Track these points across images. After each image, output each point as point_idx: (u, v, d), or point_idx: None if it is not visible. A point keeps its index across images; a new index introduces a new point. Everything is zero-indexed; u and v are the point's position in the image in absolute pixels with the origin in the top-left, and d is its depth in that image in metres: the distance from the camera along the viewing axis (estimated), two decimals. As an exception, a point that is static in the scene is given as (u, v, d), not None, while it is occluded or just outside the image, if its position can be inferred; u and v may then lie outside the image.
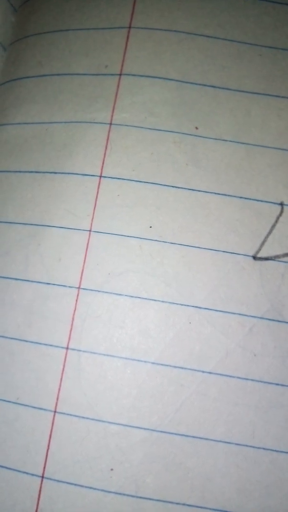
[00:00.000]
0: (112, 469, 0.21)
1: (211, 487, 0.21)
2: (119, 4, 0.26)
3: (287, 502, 0.21)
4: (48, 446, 0.22)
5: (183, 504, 0.21)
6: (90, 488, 0.21)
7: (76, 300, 0.23)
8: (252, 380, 0.22)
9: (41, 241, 0.23)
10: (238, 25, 0.25)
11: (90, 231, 0.23)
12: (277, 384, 0.22)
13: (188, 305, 0.23)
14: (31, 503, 0.21)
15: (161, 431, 0.22)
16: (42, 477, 0.22)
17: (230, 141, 0.24)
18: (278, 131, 0.24)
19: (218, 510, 0.21)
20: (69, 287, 0.23)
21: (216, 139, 0.24)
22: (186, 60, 0.25)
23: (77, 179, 0.24)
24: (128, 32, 0.25)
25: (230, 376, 0.22)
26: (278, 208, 0.24)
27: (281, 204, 0.24)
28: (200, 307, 0.23)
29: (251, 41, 0.25)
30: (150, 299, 0.23)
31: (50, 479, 0.21)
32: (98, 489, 0.21)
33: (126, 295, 0.23)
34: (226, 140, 0.24)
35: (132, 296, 0.23)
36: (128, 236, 0.23)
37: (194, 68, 0.25)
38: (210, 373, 0.22)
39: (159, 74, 0.25)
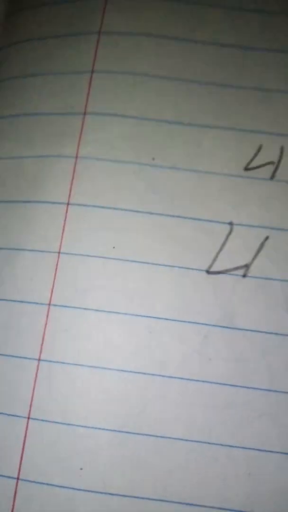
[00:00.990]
0: (81, 469, 0.23)
1: (173, 482, 0.23)
2: (82, 50, 0.29)
3: (243, 494, 0.23)
4: (23, 449, 0.23)
5: (147, 499, 0.23)
6: (62, 487, 0.23)
7: (47, 316, 0.25)
8: (208, 382, 0.24)
9: (14, 263, 0.26)
10: (189, 67, 0.28)
11: (59, 252, 0.26)
12: (231, 385, 0.24)
13: (148, 316, 0.25)
14: (7, 503, 0.23)
15: (126, 432, 0.23)
16: (18, 478, 0.23)
17: (184, 169, 0.27)
18: (225, 159, 0.27)
19: (179, 503, 0.23)
20: (40, 304, 0.25)
21: (171, 168, 0.27)
22: (143, 99, 0.28)
23: (46, 206, 0.26)
24: (91, 75, 0.28)
25: (188, 380, 0.24)
26: (228, 227, 0.26)
27: (230, 223, 0.26)
28: (159, 318, 0.25)
29: (201, 80, 0.28)
30: (114, 312, 0.25)
31: (25, 480, 0.23)
32: (69, 488, 0.23)
33: (92, 309, 0.25)
34: (180, 169, 0.27)
35: (97, 310, 0.25)
36: (93, 256, 0.25)
37: (150, 106, 0.28)
38: (169, 377, 0.24)
39: (119, 112, 0.27)
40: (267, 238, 0.26)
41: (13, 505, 0.23)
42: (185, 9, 0.30)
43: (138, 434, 0.23)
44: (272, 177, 0.27)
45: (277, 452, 0.23)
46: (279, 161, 0.27)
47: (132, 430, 0.23)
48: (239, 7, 0.30)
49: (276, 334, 0.24)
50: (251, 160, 0.27)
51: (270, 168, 0.27)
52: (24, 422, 0.24)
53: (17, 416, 0.24)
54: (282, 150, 0.27)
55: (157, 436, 0.23)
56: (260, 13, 0.30)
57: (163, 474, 0.23)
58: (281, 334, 0.24)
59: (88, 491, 0.23)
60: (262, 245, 0.26)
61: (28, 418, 0.24)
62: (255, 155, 0.27)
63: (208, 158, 0.27)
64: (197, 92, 0.28)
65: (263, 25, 0.29)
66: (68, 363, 0.24)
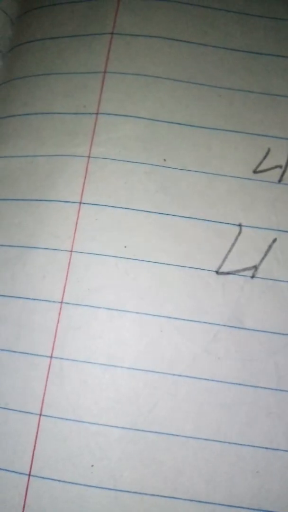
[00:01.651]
0: (92, 465, 0.23)
1: (182, 479, 0.23)
2: (95, 51, 0.28)
3: (251, 491, 0.23)
4: (34, 446, 0.23)
5: (157, 496, 0.23)
6: (73, 483, 0.23)
7: (59, 314, 0.25)
8: (216, 381, 0.24)
9: (26, 261, 0.25)
10: (200, 70, 0.28)
11: (71, 251, 0.25)
12: (239, 384, 0.24)
13: (159, 316, 0.25)
14: (19, 499, 0.23)
15: (136, 429, 0.23)
16: (29, 475, 0.23)
17: (194, 171, 0.27)
18: (235, 162, 0.27)
19: (188, 500, 0.23)
20: (53, 301, 0.25)
21: (181, 169, 0.27)
22: (155, 101, 0.28)
23: (59, 205, 0.26)
24: (104, 76, 0.28)
25: (197, 378, 0.24)
26: (237, 228, 0.26)
27: (240, 225, 0.26)
28: (170, 317, 0.25)
29: (212, 84, 0.28)
30: (125, 311, 0.25)
31: (36, 476, 0.23)
32: (80, 484, 0.23)
33: (104, 308, 0.25)
34: (190, 170, 0.27)
35: (109, 309, 0.25)
36: (105, 255, 0.25)
37: (162, 108, 0.28)
38: (179, 375, 0.24)
39: (131, 113, 0.27)
40: (275, 240, 0.26)
41: (25, 501, 0.23)
42: (197, 13, 0.29)
43: (148, 431, 0.23)
44: (280, 180, 0.27)
45: (285, 450, 0.23)
46: (286, 165, 0.27)
47: (142, 427, 0.23)
48: (249, 12, 0.30)
49: (283, 334, 0.24)
50: (260, 163, 0.27)
51: (278, 171, 0.27)
52: (36, 418, 0.23)
53: (29, 412, 0.23)
54: (290, 154, 0.27)
55: (167, 434, 0.23)
56: (269, 19, 0.30)
57: (172, 471, 0.23)
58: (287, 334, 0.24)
59: (99, 487, 0.23)
60: (270, 247, 0.26)
61: (40, 414, 0.23)
62: (264, 158, 0.27)
63: (218, 160, 0.27)
64: (207, 95, 0.28)
65: (272, 30, 0.29)
66: (79, 361, 0.24)
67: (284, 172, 0.27)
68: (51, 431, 0.23)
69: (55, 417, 0.23)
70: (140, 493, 0.23)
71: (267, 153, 0.27)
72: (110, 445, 0.23)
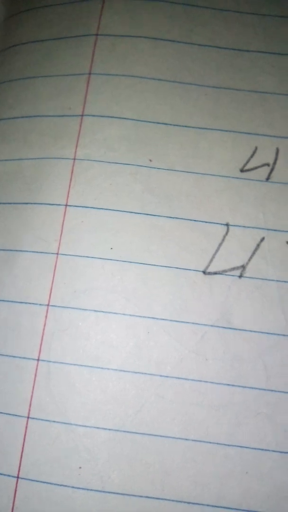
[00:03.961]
0: (80, 467, 0.22)
1: (170, 480, 0.22)
2: (80, 53, 0.27)
3: (239, 492, 0.22)
4: (23, 448, 0.22)
5: (145, 497, 0.22)
6: (61, 485, 0.22)
7: (46, 316, 0.24)
8: (204, 382, 0.23)
9: (13, 264, 0.24)
10: (186, 69, 0.27)
11: (57, 254, 0.24)
12: (227, 385, 0.23)
13: (146, 317, 0.24)
14: (7, 502, 0.22)
15: (124, 431, 0.22)
16: (17, 477, 0.22)
17: (181, 171, 0.25)
18: (222, 161, 0.26)
19: (176, 501, 0.22)
20: (39, 304, 0.24)
21: (168, 169, 0.25)
22: (140, 101, 0.26)
23: (45, 208, 0.25)
24: (88, 77, 0.27)
25: (185, 379, 0.23)
26: (225, 228, 0.25)
27: (227, 224, 0.25)
28: (157, 318, 0.24)
29: (198, 82, 0.27)
30: (112, 313, 0.24)
31: (25, 479, 0.22)
32: (68, 486, 0.22)
33: (90, 310, 0.24)
34: (177, 170, 0.25)
35: (96, 311, 0.24)
36: (91, 257, 0.24)
37: (147, 108, 0.26)
38: (167, 377, 0.23)
39: (116, 114, 0.26)
40: (263, 239, 0.25)
41: (13, 504, 0.22)
42: (182, 11, 0.28)
43: (136, 433, 0.22)
44: (268, 178, 0.26)
45: (273, 451, 0.22)
46: (274, 163, 0.26)
47: (130, 429, 0.22)
48: (235, 9, 0.28)
49: (272, 334, 0.23)
50: (247, 162, 0.26)
51: (266, 169, 0.26)
52: (24, 421, 0.22)
53: (17, 415, 0.23)
54: (277, 151, 0.26)
55: (154, 435, 0.22)
56: (256, 15, 0.28)
57: (160, 472, 0.22)
58: (277, 334, 0.23)
59: (87, 489, 0.22)
60: (258, 246, 0.25)
61: (28, 417, 0.23)
62: (251, 156, 0.26)
63: (205, 159, 0.26)
64: (194, 94, 0.27)
65: (259, 27, 0.28)
66: (67, 363, 0.23)
67: (272, 170, 0.26)
68: (38, 433, 0.22)
69: (42, 420, 0.23)
70: (127, 495, 0.22)
71: (255, 151, 0.26)
72: (98, 447, 0.22)
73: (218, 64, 0.27)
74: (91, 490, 0.22)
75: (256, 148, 0.26)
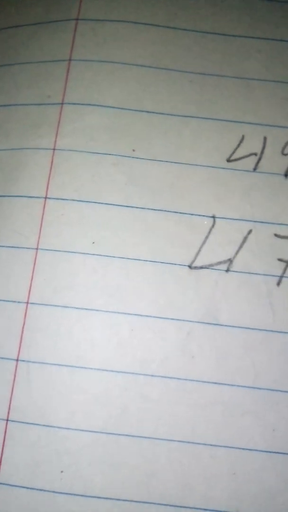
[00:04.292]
0: (62, 471, 0.21)
1: (156, 483, 0.21)
2: (59, 38, 0.26)
3: (227, 493, 0.21)
4: (1, 453, 0.21)
5: (130, 501, 0.21)
6: (42, 490, 0.21)
7: (25, 314, 0.22)
8: (190, 380, 0.22)
9: (-10, 261, 0.23)
10: (169, 55, 0.26)
11: (37, 249, 0.23)
12: (214, 383, 0.22)
13: (129, 314, 0.22)
14: (-14, 509, 0.21)
15: (107, 433, 0.21)
16: (-3, 483, 0.21)
17: (164, 161, 0.24)
18: (207, 150, 0.24)
19: (162, 504, 0.21)
20: (18, 302, 0.22)
21: (151, 159, 0.24)
22: (122, 88, 0.25)
23: (23, 201, 0.24)
24: (69, 64, 0.25)
25: (170, 378, 0.22)
26: (211, 220, 0.24)
27: (213, 217, 0.24)
28: (141, 315, 0.22)
29: (182, 69, 0.26)
30: (94, 310, 0.22)
31: (4, 484, 0.21)
32: (49, 491, 0.21)
33: (72, 307, 0.22)
34: (160, 160, 0.24)
35: (77, 308, 0.22)
36: (72, 252, 0.23)
37: (129, 96, 0.25)
38: (151, 376, 0.22)
39: (98, 102, 0.25)
40: (250, 231, 0.23)
41: (-8, 511, 0.21)
42: (166, -5, 0.27)
43: (119, 435, 0.21)
44: (255, 168, 0.24)
45: (261, 451, 0.21)
46: (262, 152, 0.24)
47: (113, 431, 0.21)
48: (221, -7, 0.27)
49: (259, 330, 0.22)
50: (234, 151, 0.24)
51: (253, 159, 0.24)
52: (3, 424, 0.21)
53: (-5, 419, 0.21)
54: (265, 140, 0.25)
55: (139, 437, 0.21)
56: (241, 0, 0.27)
57: (145, 475, 0.21)
58: (265, 330, 0.22)
59: (69, 494, 0.21)
60: (245, 239, 0.23)
61: (7, 420, 0.21)
62: (238, 146, 0.25)
63: (190, 149, 0.24)
64: (177, 80, 0.25)
65: (245, 10, 0.27)
66: (47, 363, 0.22)
67: (259, 159, 0.24)
68: (18, 436, 0.21)
69: (22, 422, 0.21)
70: (111, 499, 0.21)
71: (241, 141, 0.25)
72: (80, 450, 0.21)
73: (202, 50, 0.26)
74: (74, 494, 0.21)
75: (243, 137, 0.25)
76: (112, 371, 0.22)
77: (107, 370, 0.22)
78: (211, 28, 0.26)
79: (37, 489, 0.21)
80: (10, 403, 0.21)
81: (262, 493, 0.21)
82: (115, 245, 0.23)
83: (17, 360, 0.22)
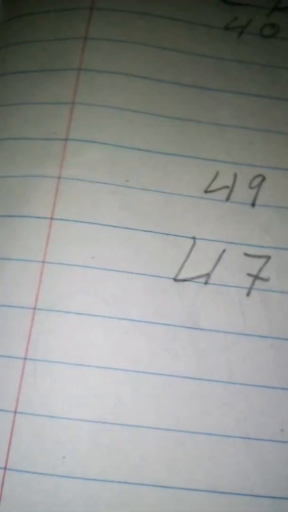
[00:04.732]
0: (64, 457, 0.23)
1: (146, 466, 0.24)
2: (64, 84, 0.30)
3: (207, 475, 0.24)
4: (10, 441, 0.23)
5: (124, 483, 0.23)
6: (46, 474, 0.23)
7: (32, 319, 0.25)
8: (175, 376, 0.25)
9: (1, 271, 0.26)
10: (155, 102, 0.30)
11: (43, 262, 0.26)
12: (195, 379, 0.25)
13: (123, 319, 0.26)
14: (-5, 492, 0.23)
15: (104, 422, 0.24)
16: (5, 468, 0.23)
17: (153, 190, 0.28)
18: (188, 183, 0.28)
19: (152, 485, 0.23)
20: (26, 308, 0.25)
21: (142, 189, 0.28)
22: (117, 129, 0.29)
23: (32, 221, 0.27)
24: (72, 106, 0.29)
25: (157, 374, 0.25)
26: (192, 241, 0.28)
27: (194, 237, 0.28)
28: (133, 320, 0.26)
29: (166, 114, 0.30)
30: (93, 315, 0.25)
31: (12, 469, 0.23)
32: (52, 475, 0.23)
33: (73, 313, 0.25)
34: (150, 190, 0.28)
35: (78, 313, 0.25)
36: (74, 265, 0.26)
37: (123, 135, 0.29)
38: (141, 372, 0.25)
39: (97, 139, 0.28)
40: (224, 250, 0.27)
41: (1, 493, 0.23)
42: (153, 52, 0.31)
43: (114, 424, 0.24)
44: (228, 199, 0.28)
45: (236, 437, 0.24)
46: (233, 186, 0.29)
47: (109, 420, 0.24)
48: (199, 52, 0.32)
49: (233, 333, 0.26)
50: (210, 184, 0.29)
51: (226, 191, 0.29)
52: (12, 416, 0.24)
53: (5, 410, 0.24)
54: (235, 176, 0.29)
55: (131, 426, 0.24)
56: (216, 59, 0.32)
57: (137, 460, 0.24)
58: (238, 333, 0.26)
59: (70, 477, 0.23)
60: (220, 257, 0.27)
61: (15, 412, 0.24)
62: (213, 180, 0.29)
63: (174, 181, 0.28)
64: (163, 124, 0.30)
65: (219, 68, 0.31)
66: (51, 361, 0.25)
67: (231, 191, 0.29)
68: (25, 426, 0.24)
69: (29, 414, 0.24)
70: (108, 481, 0.23)
71: (216, 175, 0.29)
72: (80, 438, 0.24)
73: (183, 99, 0.30)
74: (74, 477, 0.23)
75: (217, 172, 0.29)
76: (107, 368, 0.25)
77: (103, 368, 0.25)
78: (190, 82, 0.31)
79: (42, 473, 0.23)
80: (18, 396, 0.24)
81: (237, 473, 0.24)
82: (111, 260, 0.26)
83: (24, 358, 0.24)
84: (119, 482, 0.23)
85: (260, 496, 0.23)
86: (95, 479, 0.23)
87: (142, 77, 0.31)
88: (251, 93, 0.31)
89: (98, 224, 0.27)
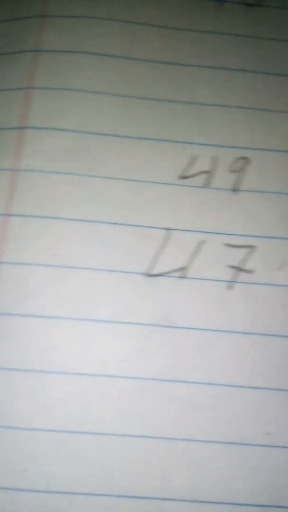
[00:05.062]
0: (25, 470, 0.30)
1: (116, 476, 0.30)
2: (20, 68, 0.37)
3: (184, 483, 0.30)
4: None
5: (90, 494, 0.29)
6: (6, 488, 0.29)
7: (-12, 323, 0.32)
8: (148, 379, 0.31)
9: None
10: (125, 82, 0.37)
11: (0, 263, 0.33)
12: (170, 381, 0.31)
13: (90, 320, 0.32)
14: None
15: (69, 432, 0.30)
16: None
17: (121, 179, 0.35)
18: (161, 169, 0.35)
19: (121, 496, 0.29)
20: (-18, 312, 0.32)
21: (108, 178, 0.35)
22: (80, 114, 0.36)
23: (-14, 217, 0.34)
24: (29, 91, 0.37)
25: (129, 378, 0.31)
26: (166, 232, 0.34)
27: (168, 229, 0.34)
28: (100, 320, 0.32)
29: (137, 95, 0.37)
30: (55, 317, 0.32)
31: None
32: (12, 489, 0.29)
33: (34, 316, 0.32)
34: (117, 178, 0.35)
35: (39, 316, 0.32)
36: (34, 264, 0.33)
37: (87, 120, 0.36)
38: (111, 376, 0.31)
39: (58, 126, 0.36)
40: (202, 241, 0.34)
41: None
42: (120, 28, 0.39)
43: (80, 432, 0.30)
44: (206, 185, 0.35)
45: (217, 442, 0.30)
46: (212, 170, 0.36)
47: (75, 429, 0.30)
48: (173, 26, 0.39)
49: (211, 330, 0.32)
50: (186, 169, 0.36)
51: (203, 176, 0.35)
52: None
53: None
54: (214, 159, 0.36)
55: (99, 434, 0.30)
56: (193, 31, 0.39)
57: (106, 469, 0.30)
58: (216, 330, 0.32)
59: (32, 490, 0.29)
60: (198, 248, 0.34)
61: (-29, 422, 0.30)
62: (190, 164, 0.36)
63: (144, 167, 0.35)
64: (133, 106, 0.37)
65: (195, 42, 0.39)
66: (10, 369, 0.31)
67: (210, 177, 0.35)
68: (-18, 438, 0.30)
69: (-14, 424, 0.30)
70: (73, 493, 0.29)
71: (193, 160, 0.36)
72: (43, 449, 0.30)
73: (156, 78, 0.38)
74: (36, 491, 0.29)
75: (194, 157, 0.36)
76: (73, 373, 0.31)
77: (68, 373, 0.31)
78: (164, 58, 0.38)
79: (1, 488, 0.29)
80: (-26, 405, 0.30)
81: (219, 481, 0.30)
82: (75, 257, 0.33)
83: (-19, 365, 0.31)
84: (86, 494, 0.29)
85: (244, 505, 0.29)
86: (59, 492, 0.29)
87: (109, 56, 0.38)
88: (233, 67, 0.39)
89: (59, 218, 0.34)
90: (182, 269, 0.33)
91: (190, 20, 0.39)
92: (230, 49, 0.39)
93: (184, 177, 0.35)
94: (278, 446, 0.30)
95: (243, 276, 0.33)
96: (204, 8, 0.39)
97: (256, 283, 0.33)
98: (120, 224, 0.34)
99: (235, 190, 0.35)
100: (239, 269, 0.33)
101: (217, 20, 0.39)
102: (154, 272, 0.33)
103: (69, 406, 0.30)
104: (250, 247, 0.34)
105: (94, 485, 0.29)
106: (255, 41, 0.39)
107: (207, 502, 0.29)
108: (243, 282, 0.33)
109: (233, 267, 0.33)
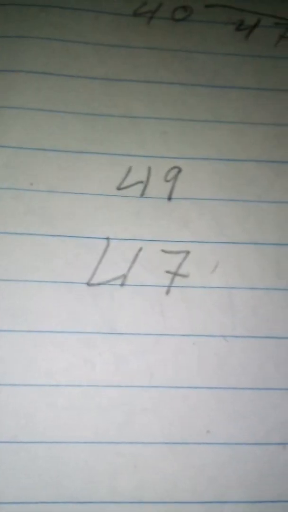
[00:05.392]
0: (-25, 482, 0.26)
1: (64, 483, 0.27)
2: None
3: (130, 486, 0.27)
4: None
5: (40, 503, 0.26)
6: None
7: None
8: (93, 386, 0.28)
9: None
10: (62, 99, 0.34)
11: None
12: (114, 386, 0.28)
13: (34, 331, 0.29)
14: None
15: (17, 442, 0.27)
16: None
17: (61, 192, 0.31)
18: (100, 181, 0.32)
19: (70, 502, 0.26)
20: None
21: (48, 191, 0.31)
22: (20, 130, 0.32)
23: None
24: None
25: (74, 386, 0.28)
26: (105, 241, 0.31)
27: (107, 238, 0.31)
28: (44, 331, 0.29)
29: (74, 111, 0.34)
30: (1, 330, 0.28)
31: None
32: None
33: (-22, 330, 0.29)
34: (57, 192, 0.31)
35: (-16, 330, 0.29)
36: (-23, 279, 0.29)
37: (27, 136, 0.32)
38: (57, 385, 0.28)
39: (-3, 142, 0.32)
40: (140, 249, 0.31)
41: None
42: (57, 46, 0.35)
43: (29, 442, 0.27)
44: (142, 194, 0.32)
45: (160, 443, 0.27)
46: (147, 180, 0.32)
47: (23, 439, 0.27)
48: (105, 42, 0.35)
49: (152, 334, 0.29)
50: (123, 180, 0.32)
51: (140, 186, 0.32)
52: None
53: None
54: (149, 170, 0.33)
55: (47, 442, 0.27)
56: (124, 47, 0.36)
57: (55, 477, 0.27)
58: (157, 334, 0.29)
59: (-18, 503, 0.26)
60: (136, 256, 0.31)
61: None
62: (126, 175, 0.32)
63: (83, 180, 0.32)
64: (70, 121, 0.33)
65: (128, 58, 0.35)
66: None
67: (145, 187, 0.32)
68: None
69: None
70: (23, 503, 0.26)
71: (129, 171, 0.32)
72: (-8, 460, 0.27)
73: (91, 93, 0.34)
74: (-13, 502, 0.26)
75: (130, 168, 0.32)
76: (19, 384, 0.28)
77: (15, 385, 0.28)
78: (98, 74, 0.35)
79: None
80: None
81: (163, 481, 0.27)
82: (18, 270, 0.30)
83: None
84: (36, 502, 0.26)
85: (189, 502, 0.27)
86: (10, 503, 0.26)
87: (45, 73, 0.34)
88: (164, 81, 0.35)
89: (1, 232, 0.30)
90: (122, 276, 0.30)
91: (121, 37, 0.36)
92: (161, 63, 0.35)
93: (122, 188, 0.32)
94: (218, 443, 0.27)
95: (179, 281, 0.30)
96: (135, 25, 0.36)
97: (192, 286, 0.30)
98: (62, 236, 0.30)
99: (169, 198, 0.32)
100: (175, 273, 0.30)
101: (147, 35, 0.36)
102: (96, 281, 0.30)
103: (15, 417, 0.27)
104: (185, 252, 0.31)
105: (43, 494, 0.26)
106: (184, 54, 0.36)
107: (152, 502, 0.26)
108: (180, 286, 0.30)
109: (169, 272, 0.30)
